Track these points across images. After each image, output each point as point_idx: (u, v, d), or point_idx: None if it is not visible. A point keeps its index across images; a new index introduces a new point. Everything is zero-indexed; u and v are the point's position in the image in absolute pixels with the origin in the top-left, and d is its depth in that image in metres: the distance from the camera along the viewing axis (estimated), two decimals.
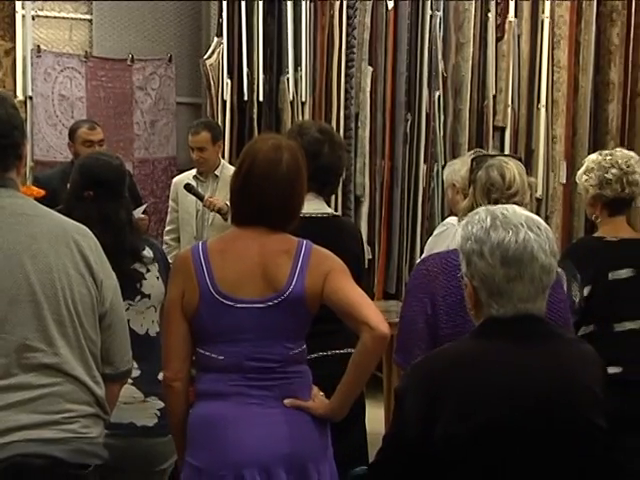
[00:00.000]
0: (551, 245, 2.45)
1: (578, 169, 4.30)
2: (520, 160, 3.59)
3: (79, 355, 2.80)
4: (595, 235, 4.21)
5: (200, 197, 6.28)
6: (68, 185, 3.77)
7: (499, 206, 2.56)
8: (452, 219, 4.97)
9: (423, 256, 4.67)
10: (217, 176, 6.52)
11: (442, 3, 7.57)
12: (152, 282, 3.66)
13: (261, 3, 7.22)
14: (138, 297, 3.62)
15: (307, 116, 7.34)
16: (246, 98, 7.24)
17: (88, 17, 7.80)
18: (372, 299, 4.15)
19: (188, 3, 7.96)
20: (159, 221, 7.36)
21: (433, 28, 7.51)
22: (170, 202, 6.75)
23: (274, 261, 2.98)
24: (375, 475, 2.63)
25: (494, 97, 7.72)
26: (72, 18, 7.77)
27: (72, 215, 3.07)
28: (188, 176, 6.62)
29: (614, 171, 4.04)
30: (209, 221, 6.46)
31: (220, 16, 7.27)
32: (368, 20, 7.45)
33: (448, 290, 3.20)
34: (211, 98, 7.31)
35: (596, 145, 7.02)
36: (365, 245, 4.78)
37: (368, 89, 7.48)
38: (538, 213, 6.64)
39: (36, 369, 2.73)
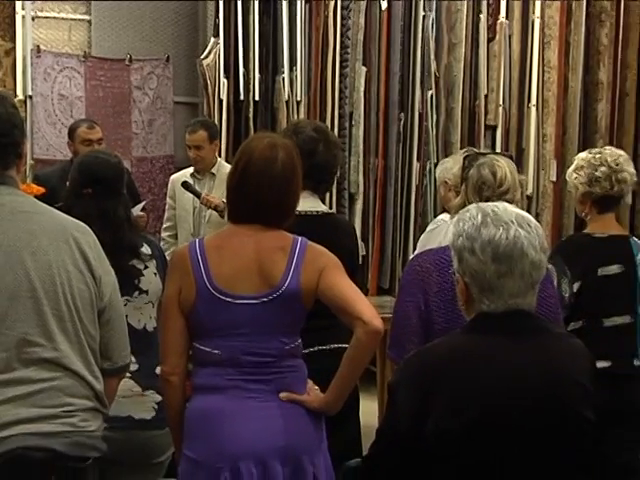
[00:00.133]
0: (541, 242, 2.46)
1: (568, 167, 4.31)
2: (511, 158, 3.58)
3: (78, 350, 2.80)
4: (584, 232, 4.22)
5: (197, 195, 6.28)
6: (67, 183, 3.77)
7: (490, 203, 2.56)
8: (444, 216, 4.99)
9: (416, 252, 4.68)
10: (214, 174, 6.51)
11: (435, 4, 7.56)
12: (150, 278, 3.66)
13: (257, 4, 7.21)
14: (136, 293, 3.62)
15: (302, 115, 7.33)
16: (242, 97, 7.23)
17: (87, 18, 7.78)
18: (366, 294, 4.15)
19: (185, 4, 7.95)
20: (157, 218, 7.35)
21: (426, 29, 7.50)
22: (168, 199, 6.75)
23: (270, 257, 2.98)
24: (368, 468, 2.63)
25: (486, 96, 7.71)
26: (71, 19, 7.75)
27: (71, 212, 3.08)
28: (185, 174, 6.62)
29: (603, 169, 4.04)
30: (206, 218, 6.46)
31: (217, 17, 7.25)
32: (362, 21, 7.44)
33: (441, 286, 3.20)
34: (208, 97, 7.31)
35: (586, 144, 7.02)
36: (359, 241, 4.77)
37: (362, 89, 7.47)
38: (529, 210, 6.65)
39: (36, 363, 2.73)
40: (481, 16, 7.64)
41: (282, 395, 2.97)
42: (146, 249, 3.68)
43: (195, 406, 3.01)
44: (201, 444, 2.94)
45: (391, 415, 2.50)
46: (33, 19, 7.50)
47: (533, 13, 7.64)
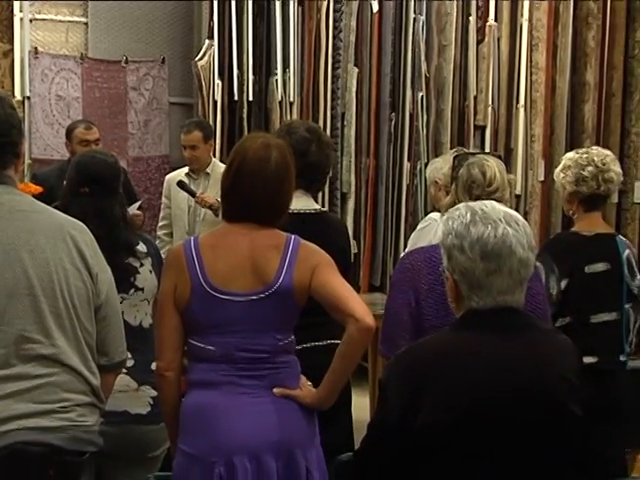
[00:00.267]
0: (529, 240, 2.46)
1: (556, 167, 4.31)
2: (500, 158, 3.59)
3: (75, 346, 2.80)
4: (572, 230, 4.22)
5: (192, 194, 6.29)
6: (65, 182, 3.76)
7: (479, 202, 2.56)
8: (434, 215, 4.99)
9: (407, 250, 4.68)
10: (208, 173, 6.52)
11: (425, 7, 7.57)
12: (145, 276, 3.66)
13: (251, 7, 7.21)
14: (132, 290, 3.62)
15: (295, 116, 7.33)
16: (236, 98, 7.24)
17: (84, 20, 7.78)
18: (358, 292, 4.14)
19: (180, 7, 7.94)
20: (152, 217, 7.34)
21: (416, 31, 7.50)
22: (163, 199, 6.75)
23: (263, 255, 2.98)
24: (360, 462, 2.64)
25: (475, 97, 7.72)
26: (68, 21, 7.75)
27: (69, 211, 3.08)
28: (180, 173, 6.62)
29: (590, 169, 4.05)
30: (201, 217, 6.46)
31: (211, 20, 7.26)
32: (354, 23, 7.45)
33: (431, 283, 3.21)
34: (202, 98, 7.31)
35: (573, 144, 7.01)
36: (351, 240, 4.77)
37: (354, 90, 7.48)
38: (517, 209, 6.66)
39: (34, 360, 2.73)
40: (470, 19, 7.65)
41: (275, 390, 2.96)
42: (142, 247, 3.68)
43: (190, 401, 3.00)
44: (196, 438, 2.94)
45: (382, 410, 2.51)
46: (31, 21, 7.49)
47: (521, 16, 7.64)
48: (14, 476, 2.69)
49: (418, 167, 7.52)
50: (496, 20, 7.71)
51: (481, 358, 2.42)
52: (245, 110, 7.27)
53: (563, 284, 3.98)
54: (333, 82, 7.46)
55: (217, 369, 2.95)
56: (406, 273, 3.29)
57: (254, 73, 7.28)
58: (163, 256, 3.72)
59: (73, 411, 2.78)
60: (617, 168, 4.12)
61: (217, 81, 7.21)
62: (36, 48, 7.48)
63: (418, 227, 5.23)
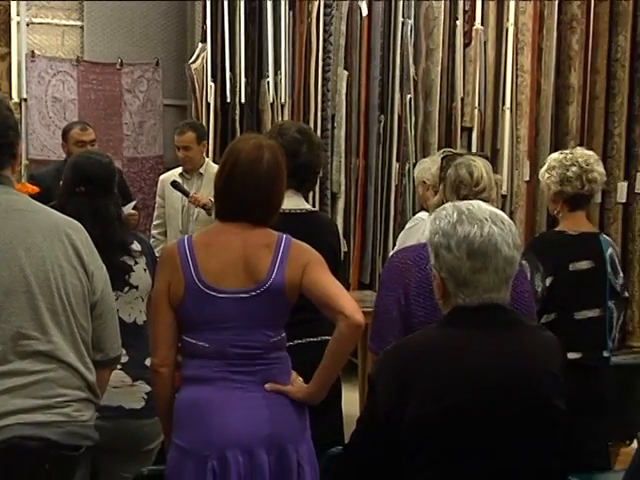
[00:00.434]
0: (514, 238, 2.46)
1: (540, 167, 4.32)
2: (487, 158, 3.59)
3: (71, 342, 2.80)
4: (556, 229, 4.23)
5: (185, 193, 6.29)
6: (61, 182, 3.76)
7: (465, 202, 2.56)
8: (423, 214, 4.99)
9: (396, 249, 4.69)
10: (202, 174, 6.52)
11: (413, 11, 7.58)
12: (140, 274, 3.65)
13: (243, 11, 7.21)
14: (127, 288, 3.62)
15: (286, 117, 7.34)
16: (229, 100, 7.24)
17: (79, 24, 7.79)
18: (348, 289, 4.15)
19: (174, 10, 7.94)
20: (147, 216, 7.34)
21: (405, 35, 7.51)
22: (157, 198, 6.75)
23: (255, 254, 2.98)
24: (349, 455, 2.64)
25: (462, 99, 7.72)
26: (64, 25, 7.75)
27: (65, 210, 3.08)
28: (174, 174, 6.62)
29: (574, 169, 4.05)
30: (194, 216, 6.46)
31: (204, 23, 7.26)
32: (344, 27, 7.45)
33: (420, 281, 3.21)
34: (196, 100, 7.31)
35: (557, 145, 7.01)
36: (341, 238, 4.78)
37: (344, 92, 7.48)
38: (503, 209, 6.67)
39: (31, 356, 2.73)
40: (457, 23, 7.66)
41: (267, 386, 2.96)
42: (136, 246, 3.68)
43: (184, 396, 3.00)
44: (190, 433, 2.94)
45: (371, 404, 2.51)
46: (28, 25, 7.50)
47: (507, 20, 7.64)
48: (11, 470, 2.68)
49: (407, 167, 7.52)
50: (482, 24, 7.71)
51: (467, 354, 2.42)
52: (237, 112, 7.27)
53: (548, 281, 3.98)
54: (323, 84, 7.46)
55: (210, 365, 2.95)
56: (395, 271, 3.30)
57: (246, 76, 7.28)
58: (157, 255, 3.72)
59: (69, 406, 2.78)
60: (600, 168, 4.12)
61: (210, 83, 7.21)
62: (33, 51, 7.48)
63: (406, 226, 5.24)
